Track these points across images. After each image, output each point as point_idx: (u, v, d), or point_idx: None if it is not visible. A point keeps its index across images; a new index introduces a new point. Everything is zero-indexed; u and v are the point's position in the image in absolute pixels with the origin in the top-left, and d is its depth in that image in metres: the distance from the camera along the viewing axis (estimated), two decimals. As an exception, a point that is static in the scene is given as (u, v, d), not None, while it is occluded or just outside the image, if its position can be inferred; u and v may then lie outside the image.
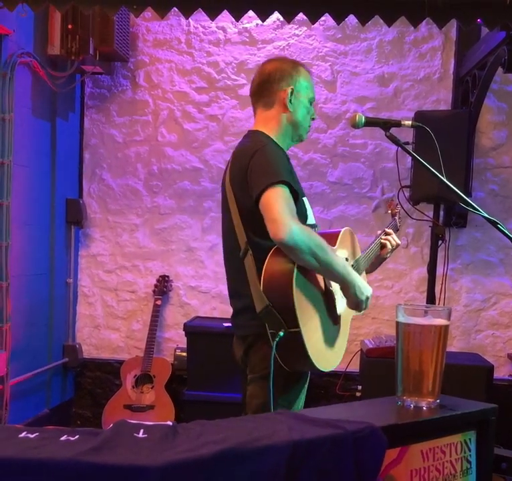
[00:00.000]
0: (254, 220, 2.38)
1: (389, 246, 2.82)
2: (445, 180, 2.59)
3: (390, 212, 3.31)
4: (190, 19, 4.46)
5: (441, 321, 1.38)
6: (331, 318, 2.45)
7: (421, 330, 1.36)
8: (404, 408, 1.37)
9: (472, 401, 1.44)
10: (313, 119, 2.69)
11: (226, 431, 1.06)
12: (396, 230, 3.20)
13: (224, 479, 0.97)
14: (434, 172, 2.58)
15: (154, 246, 4.96)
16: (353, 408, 1.50)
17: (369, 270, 2.87)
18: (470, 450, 1.37)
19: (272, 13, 3.37)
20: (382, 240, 2.83)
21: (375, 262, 2.86)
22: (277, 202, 2.28)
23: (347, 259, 2.62)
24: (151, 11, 3.42)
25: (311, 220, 2.59)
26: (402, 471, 1.24)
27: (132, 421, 1.03)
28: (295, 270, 2.26)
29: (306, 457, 1.06)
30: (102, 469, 0.90)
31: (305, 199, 2.58)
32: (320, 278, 2.42)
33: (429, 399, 1.38)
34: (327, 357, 2.40)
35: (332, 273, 2.37)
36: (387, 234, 2.86)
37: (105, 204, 4.97)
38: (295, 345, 2.24)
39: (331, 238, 2.53)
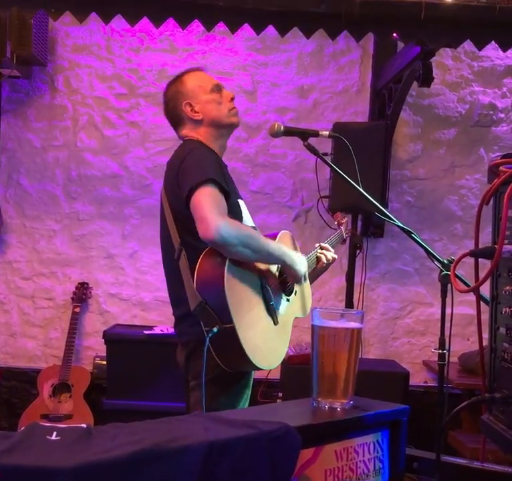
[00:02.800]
0: (186, 222, 2.42)
1: (324, 260, 2.85)
2: (362, 191, 2.65)
3: (335, 222, 3.34)
4: (110, 24, 4.43)
5: (354, 324, 1.41)
6: (270, 316, 2.47)
7: (335, 333, 1.39)
8: (319, 409, 1.39)
9: (385, 402, 1.48)
10: (232, 98, 2.70)
11: (142, 432, 1.06)
12: (342, 240, 3.28)
13: (139, 480, 0.97)
14: (351, 183, 2.64)
15: (73, 252, 4.88)
16: (270, 410, 1.52)
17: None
18: (382, 450, 1.40)
19: (192, 21, 3.40)
20: (318, 254, 2.86)
21: (312, 276, 2.87)
22: (205, 201, 2.32)
23: None
24: (70, 16, 3.39)
25: (248, 222, 2.62)
26: (317, 471, 1.26)
27: (44, 424, 1.02)
28: (227, 266, 2.29)
29: (222, 457, 1.07)
30: (13, 471, 0.88)
31: (241, 201, 2.62)
32: (256, 276, 2.45)
33: (343, 401, 1.40)
34: (264, 354, 2.41)
35: (270, 257, 2.45)
36: (322, 248, 2.89)
37: (22, 210, 4.87)
38: (230, 341, 2.25)
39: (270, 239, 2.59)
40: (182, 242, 2.46)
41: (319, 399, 1.41)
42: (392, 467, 1.42)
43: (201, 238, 2.30)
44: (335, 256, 2.92)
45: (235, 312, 2.26)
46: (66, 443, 0.97)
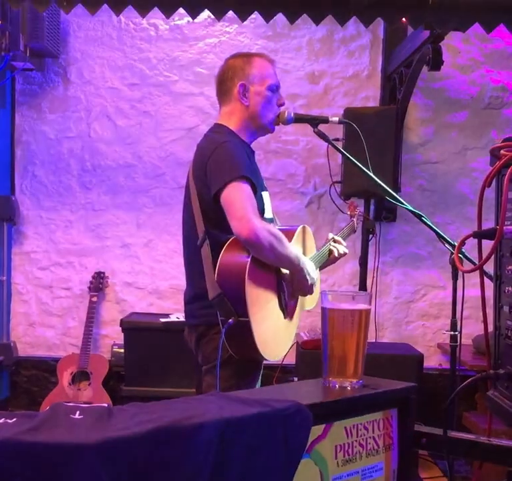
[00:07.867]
0: (212, 213, 2.47)
1: (336, 253, 2.87)
2: (372, 176, 2.69)
3: (348, 213, 3.40)
4: (121, 15, 4.46)
5: (363, 306, 1.45)
6: (282, 310, 2.54)
7: (344, 314, 1.43)
8: (329, 388, 1.44)
9: (394, 381, 1.52)
10: (281, 105, 2.71)
11: (160, 411, 1.11)
12: (354, 231, 3.32)
13: (157, 456, 1.02)
14: (361, 168, 2.68)
15: (89, 242, 4.94)
16: (282, 389, 1.57)
17: None
18: (391, 427, 1.45)
19: (202, 10, 3.43)
20: (331, 247, 2.88)
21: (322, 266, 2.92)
22: (239, 199, 2.37)
23: None
24: (81, 8, 3.43)
25: (268, 214, 2.65)
26: (327, 446, 1.31)
27: (68, 404, 1.07)
28: (249, 264, 2.35)
29: (236, 434, 1.12)
30: (40, 447, 0.94)
31: (264, 193, 2.64)
32: (273, 272, 2.51)
33: (352, 380, 1.45)
34: (273, 347, 2.49)
35: (285, 264, 2.50)
36: (336, 241, 2.91)
37: (39, 201, 4.94)
38: (243, 333, 2.33)
39: (288, 235, 2.61)
40: (207, 231, 2.50)
41: (330, 378, 1.46)
42: (401, 443, 1.46)
43: (235, 235, 2.36)
44: (347, 251, 2.93)
45: (251, 307, 2.33)
46: (89, 421, 1.02)
